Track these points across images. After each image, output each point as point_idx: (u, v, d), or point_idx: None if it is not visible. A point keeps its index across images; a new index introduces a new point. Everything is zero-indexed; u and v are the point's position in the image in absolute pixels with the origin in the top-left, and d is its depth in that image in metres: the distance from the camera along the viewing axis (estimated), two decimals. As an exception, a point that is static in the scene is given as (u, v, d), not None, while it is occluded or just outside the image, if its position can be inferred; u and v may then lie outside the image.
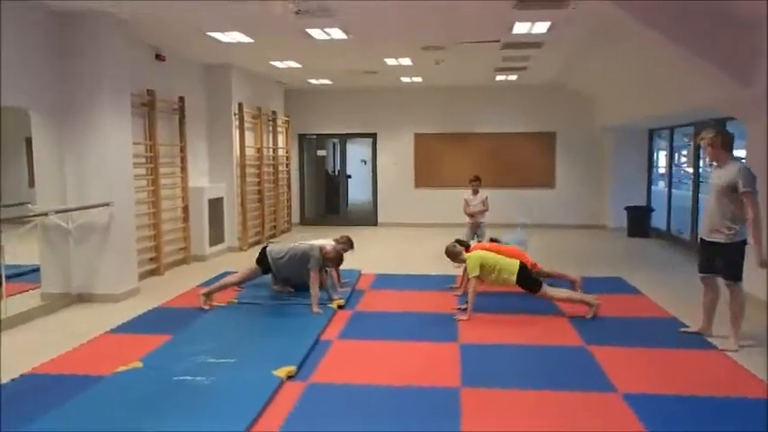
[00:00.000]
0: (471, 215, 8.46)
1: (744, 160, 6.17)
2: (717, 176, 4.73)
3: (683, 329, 5.21)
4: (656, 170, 12.58)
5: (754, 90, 5.49)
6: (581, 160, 12.89)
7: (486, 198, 8.44)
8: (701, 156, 9.39)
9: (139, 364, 4.39)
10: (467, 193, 8.58)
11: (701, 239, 4.94)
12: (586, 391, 3.97)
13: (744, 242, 4.66)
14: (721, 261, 4.77)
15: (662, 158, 12.89)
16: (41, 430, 3.36)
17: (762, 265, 4.57)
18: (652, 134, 12.06)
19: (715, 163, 4.79)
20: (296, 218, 13.59)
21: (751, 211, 4.50)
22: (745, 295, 4.90)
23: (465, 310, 5.76)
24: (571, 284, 6.51)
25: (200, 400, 3.79)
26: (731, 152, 4.77)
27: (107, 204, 6.53)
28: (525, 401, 3.84)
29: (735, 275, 4.73)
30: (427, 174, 13.40)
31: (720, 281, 4.89)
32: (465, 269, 6.15)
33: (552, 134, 12.93)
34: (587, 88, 11.98)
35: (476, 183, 8.47)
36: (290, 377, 4.20)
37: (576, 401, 3.83)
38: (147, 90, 7.85)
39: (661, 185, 12.44)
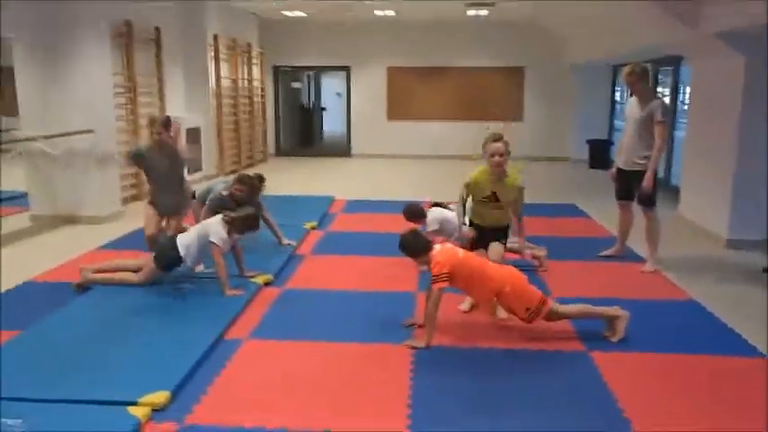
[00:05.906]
0: None
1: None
2: (638, 109, 5.07)
3: (601, 253, 5.58)
4: (619, 106, 13.05)
5: (699, 31, 5.92)
6: (548, 95, 13.33)
7: None
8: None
9: (130, 274, 4.85)
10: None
11: (619, 169, 5.32)
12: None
13: (656, 170, 5.05)
14: (638, 188, 5.10)
15: (624, 95, 13.34)
16: (44, 330, 3.76)
17: (645, 189, 5.00)
18: (616, 71, 12.48)
19: (635, 97, 5.13)
20: (271, 149, 13.92)
21: (660, 140, 4.94)
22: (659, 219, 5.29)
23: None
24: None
25: (183, 303, 4.27)
26: (651, 87, 5.15)
27: (90, 131, 6.86)
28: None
29: (650, 201, 5.14)
30: (399, 107, 13.73)
31: (635, 207, 5.28)
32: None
33: (521, 69, 13.29)
34: (556, 26, 12.26)
35: None
36: (266, 284, 4.72)
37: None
38: (125, 21, 8.02)
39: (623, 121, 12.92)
